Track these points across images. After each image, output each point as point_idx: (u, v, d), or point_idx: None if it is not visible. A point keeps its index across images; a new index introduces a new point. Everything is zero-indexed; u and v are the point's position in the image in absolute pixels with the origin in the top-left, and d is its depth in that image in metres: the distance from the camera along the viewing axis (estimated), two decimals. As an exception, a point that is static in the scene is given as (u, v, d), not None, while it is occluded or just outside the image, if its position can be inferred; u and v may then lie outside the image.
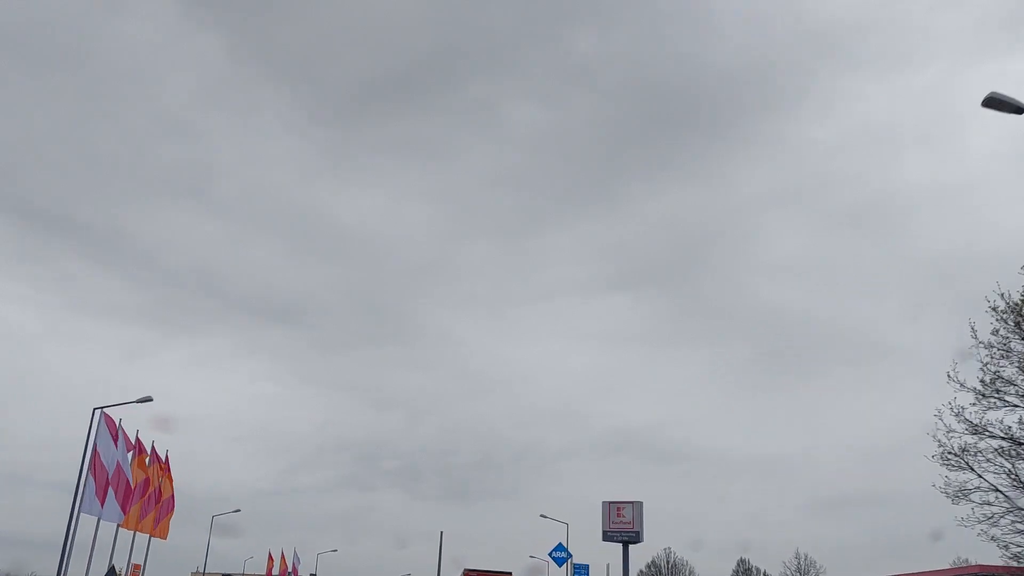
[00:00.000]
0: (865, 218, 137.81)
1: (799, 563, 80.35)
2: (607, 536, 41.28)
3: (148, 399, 36.43)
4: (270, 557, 69.98)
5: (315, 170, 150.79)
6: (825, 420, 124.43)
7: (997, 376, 24.04)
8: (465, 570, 56.91)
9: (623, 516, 41.13)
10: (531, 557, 64.53)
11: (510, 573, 56.44)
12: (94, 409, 33.99)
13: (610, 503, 41.66)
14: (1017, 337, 23.85)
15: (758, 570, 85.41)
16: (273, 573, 68.64)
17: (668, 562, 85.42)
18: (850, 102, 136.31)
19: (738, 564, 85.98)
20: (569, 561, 54.89)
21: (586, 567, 58.38)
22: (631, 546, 41.21)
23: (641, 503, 41.73)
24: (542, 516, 71.45)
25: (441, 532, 62.37)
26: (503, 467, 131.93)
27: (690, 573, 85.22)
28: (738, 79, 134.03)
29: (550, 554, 54.12)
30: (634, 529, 40.93)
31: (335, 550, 69.83)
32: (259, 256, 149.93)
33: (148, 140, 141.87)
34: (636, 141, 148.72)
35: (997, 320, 24.16)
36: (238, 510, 60.43)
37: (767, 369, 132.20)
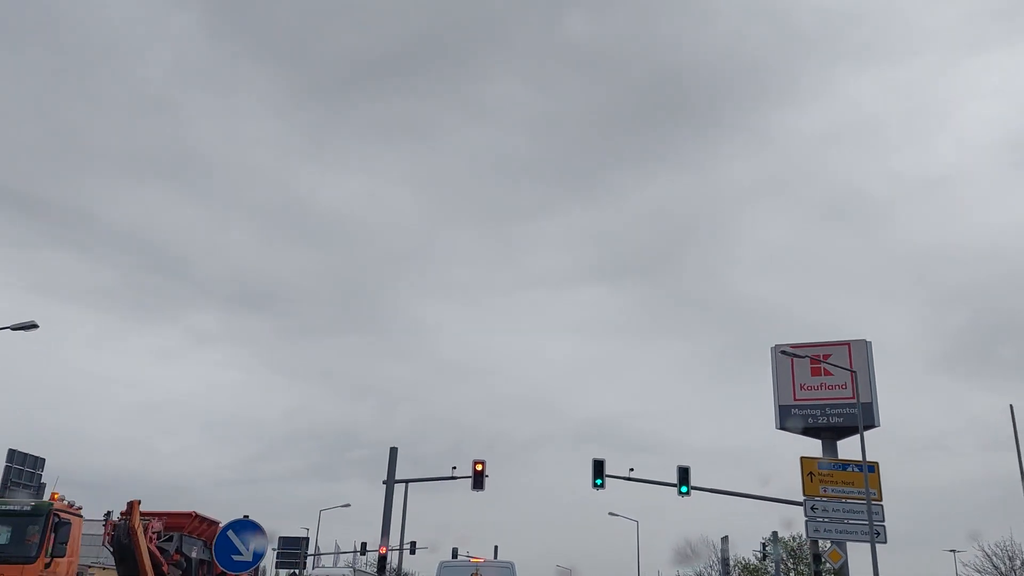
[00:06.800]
0: (848, 211, 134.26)
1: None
2: (788, 418, 19.65)
3: None
4: None
5: (294, 152, 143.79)
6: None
7: None
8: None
9: (827, 373, 18.96)
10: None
11: None
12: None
13: (795, 346, 19.76)
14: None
15: None
16: None
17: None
18: (837, 94, 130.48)
19: None
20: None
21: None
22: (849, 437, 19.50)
23: (868, 343, 19.38)
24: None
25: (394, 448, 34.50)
26: (473, 456, 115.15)
27: None
28: (727, 68, 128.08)
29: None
30: (853, 399, 18.79)
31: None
32: (234, 240, 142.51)
33: (121, 118, 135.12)
34: (624, 129, 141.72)
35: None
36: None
37: (740, 361, 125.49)
